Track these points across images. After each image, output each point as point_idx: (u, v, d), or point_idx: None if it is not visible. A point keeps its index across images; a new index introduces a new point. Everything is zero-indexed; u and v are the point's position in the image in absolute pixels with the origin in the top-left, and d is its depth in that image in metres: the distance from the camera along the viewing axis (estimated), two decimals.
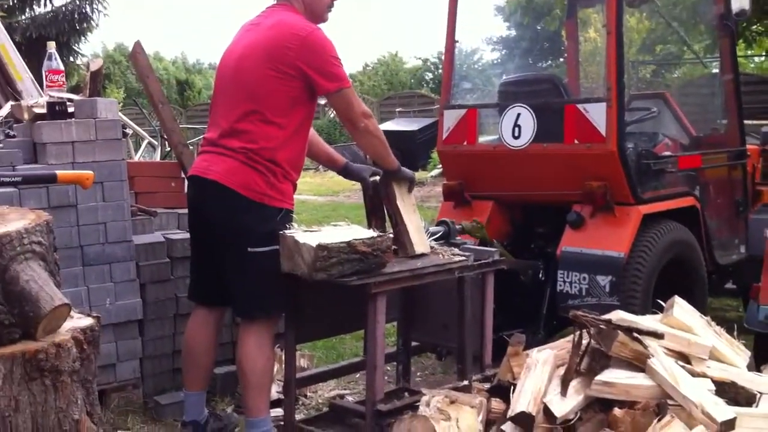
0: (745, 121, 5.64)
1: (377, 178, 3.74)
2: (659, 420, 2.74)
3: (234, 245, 3.30)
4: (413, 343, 4.18)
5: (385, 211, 3.76)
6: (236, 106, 3.34)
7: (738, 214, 5.40)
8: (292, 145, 3.38)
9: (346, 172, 3.87)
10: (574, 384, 2.99)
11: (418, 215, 3.77)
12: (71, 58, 16.11)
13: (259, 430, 3.32)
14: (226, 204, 3.30)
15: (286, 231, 3.26)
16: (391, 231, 3.65)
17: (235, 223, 3.29)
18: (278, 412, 3.72)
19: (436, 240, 3.98)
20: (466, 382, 3.59)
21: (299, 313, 3.59)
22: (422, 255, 3.68)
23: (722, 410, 2.73)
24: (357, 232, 3.39)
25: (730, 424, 2.69)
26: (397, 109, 20.54)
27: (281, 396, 3.76)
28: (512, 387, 3.10)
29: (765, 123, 7.33)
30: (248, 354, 3.31)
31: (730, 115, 5.54)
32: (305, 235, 3.24)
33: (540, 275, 4.74)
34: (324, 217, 9.81)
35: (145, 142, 10.41)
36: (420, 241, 3.70)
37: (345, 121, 3.47)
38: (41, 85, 4.47)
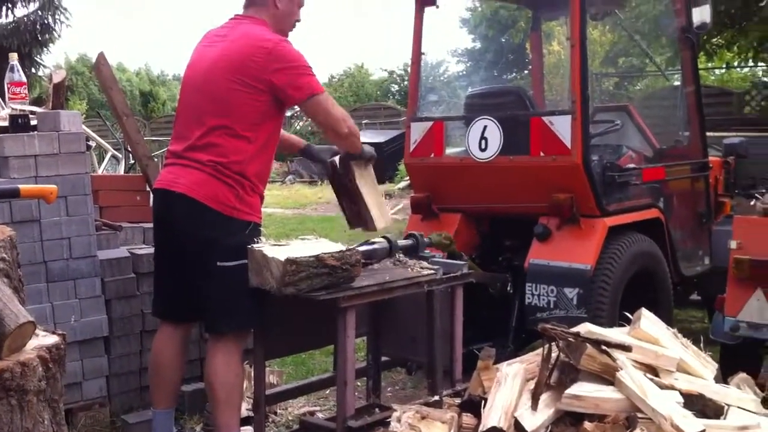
0: (707, 133, 5.73)
1: (337, 158, 3.72)
2: None
3: (202, 259, 3.26)
4: (383, 358, 4.16)
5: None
6: (203, 119, 3.31)
7: (701, 226, 5.48)
8: (260, 159, 3.35)
9: (307, 154, 3.86)
10: (544, 398, 3.00)
11: (378, 190, 3.79)
12: (33, 70, 15.87)
13: None
14: (194, 217, 3.26)
15: (254, 245, 3.23)
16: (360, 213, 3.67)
17: (203, 237, 3.25)
18: (248, 429, 3.68)
19: (404, 253, 3.98)
20: (437, 397, 3.57)
21: (268, 328, 3.56)
22: (390, 269, 3.68)
23: (691, 423, 2.76)
24: (325, 245, 3.37)
25: None
26: (364, 121, 20.54)
27: (251, 413, 3.72)
28: (483, 402, 3.10)
29: (726, 135, 7.45)
30: (217, 370, 3.27)
31: (693, 127, 5.62)
32: (274, 249, 3.22)
33: (508, 288, 4.76)
34: (291, 230, 9.77)
35: (109, 154, 10.28)
36: (380, 215, 3.73)
37: (325, 130, 3.43)
38: (3, 98, 4.40)
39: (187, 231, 3.29)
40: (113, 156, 10.28)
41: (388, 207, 3.80)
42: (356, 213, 3.71)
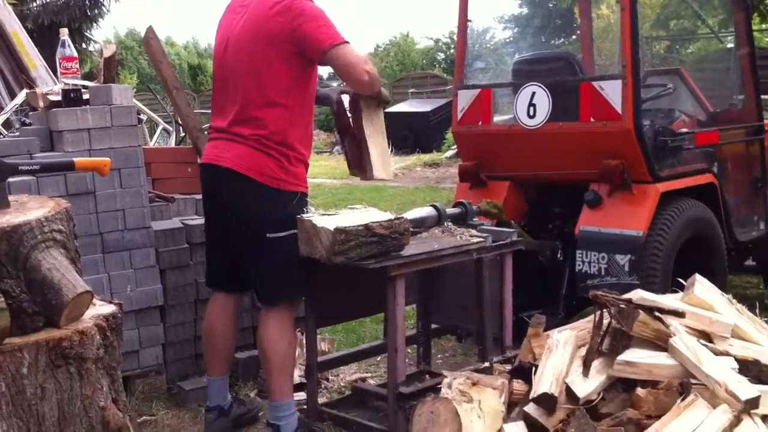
0: (762, 96, 5.58)
1: (346, 96, 3.64)
2: (683, 399, 2.73)
3: (252, 232, 3.30)
4: (433, 326, 4.18)
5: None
6: (238, 92, 3.32)
7: (756, 190, 5.36)
8: (300, 124, 3.36)
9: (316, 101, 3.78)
10: (596, 364, 2.98)
11: (384, 139, 3.70)
12: (84, 45, 16.12)
13: (283, 413, 3.33)
14: (241, 191, 3.29)
15: (303, 215, 3.26)
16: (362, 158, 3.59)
17: (252, 210, 3.29)
18: (301, 395, 3.74)
19: (453, 222, 3.98)
20: (487, 364, 3.59)
21: (319, 296, 3.60)
22: (439, 237, 3.69)
23: (746, 389, 2.72)
24: (374, 214, 3.39)
25: (754, 402, 2.68)
26: (410, 90, 20.46)
27: (303, 380, 3.78)
28: (534, 368, 3.10)
29: None
30: (270, 338, 3.32)
31: (747, 90, 5.48)
32: (323, 219, 3.24)
33: (558, 255, 4.72)
34: (340, 200, 9.81)
35: (160, 127, 10.38)
36: (382, 166, 3.64)
37: (349, 80, 3.36)
38: (55, 73, 4.47)
39: (235, 205, 3.32)
40: (164, 129, 10.39)
41: (393, 162, 3.67)
42: (357, 157, 3.63)
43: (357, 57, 3.29)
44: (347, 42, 3.28)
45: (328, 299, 3.64)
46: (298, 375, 3.89)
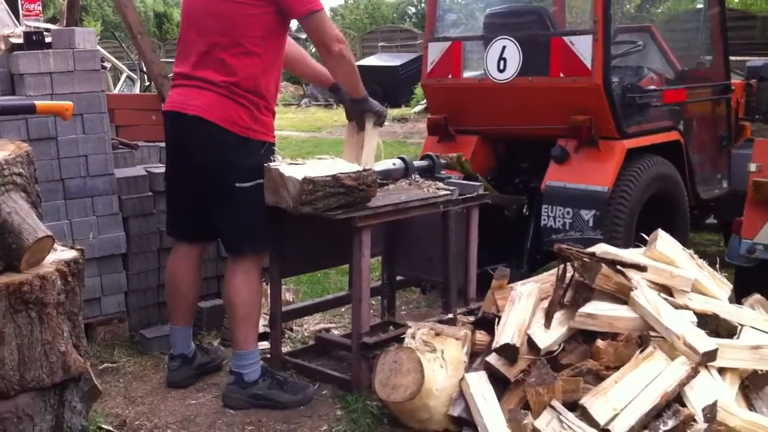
0: (731, 57, 5.60)
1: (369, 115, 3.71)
2: (641, 351, 2.79)
3: (220, 181, 3.25)
4: (398, 278, 4.20)
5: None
6: (210, 36, 3.24)
7: (721, 149, 5.40)
8: (270, 74, 3.31)
9: (335, 92, 3.80)
10: (557, 316, 3.03)
11: (373, 155, 3.77)
12: None
13: (247, 362, 3.33)
14: (210, 139, 3.24)
15: (270, 164, 3.23)
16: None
17: (221, 159, 3.24)
18: (265, 345, 3.74)
19: (420, 174, 3.97)
20: (450, 315, 3.62)
21: (284, 246, 3.59)
22: (406, 190, 3.69)
23: (704, 341, 2.79)
24: (342, 165, 3.37)
25: (712, 355, 2.74)
26: (380, 44, 20.26)
27: (268, 329, 3.78)
28: (496, 320, 3.13)
29: (749, 59, 7.28)
30: (236, 288, 3.31)
31: (716, 50, 5.50)
32: (290, 168, 3.22)
33: (524, 210, 4.73)
34: (307, 152, 9.75)
35: (124, 75, 10.23)
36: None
37: (318, 46, 3.38)
38: (17, 15, 4.35)
39: (204, 153, 3.27)
40: (128, 77, 10.24)
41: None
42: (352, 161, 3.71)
43: (333, 30, 3.33)
44: (323, 8, 3.29)
45: (294, 249, 3.63)
46: (262, 324, 3.89)
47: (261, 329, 3.83)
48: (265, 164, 3.22)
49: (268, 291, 3.80)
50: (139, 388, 3.52)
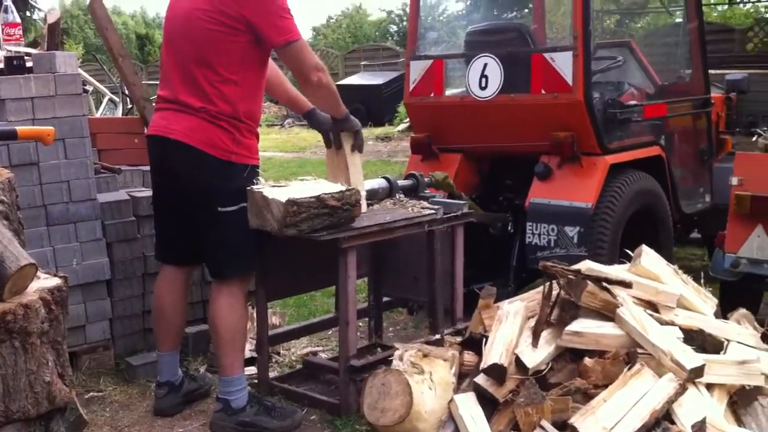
0: (710, 70, 5.66)
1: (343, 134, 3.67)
2: (629, 368, 2.78)
3: (203, 206, 3.24)
4: (384, 299, 4.19)
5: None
6: (187, 64, 3.24)
7: (703, 163, 5.44)
8: (251, 99, 3.30)
9: (310, 118, 3.74)
10: (545, 335, 3.02)
11: (360, 173, 3.75)
12: (27, 12, 15.65)
13: (234, 388, 3.30)
14: (192, 164, 3.23)
15: (253, 187, 3.22)
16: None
17: (202, 184, 3.23)
18: (252, 370, 3.72)
19: (405, 194, 3.97)
20: (438, 336, 3.61)
21: (270, 269, 3.57)
22: (391, 209, 3.69)
23: (691, 357, 2.78)
24: (325, 186, 3.36)
25: (699, 371, 2.74)
26: (362, 63, 20.30)
27: (254, 354, 3.76)
28: (484, 339, 3.12)
29: (728, 72, 7.36)
30: (221, 313, 3.29)
31: (695, 64, 5.55)
32: (273, 191, 3.21)
33: (509, 227, 4.75)
34: (291, 173, 9.74)
35: (106, 98, 10.18)
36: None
37: (296, 75, 3.34)
38: None
39: (186, 178, 3.26)
40: (110, 100, 10.19)
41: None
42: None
43: (312, 59, 3.30)
44: (301, 38, 3.27)
45: (279, 272, 3.62)
46: (249, 349, 3.87)
47: (248, 354, 3.81)
48: (248, 187, 3.21)
49: (254, 315, 3.77)
50: (125, 417, 3.49)
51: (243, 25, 3.16)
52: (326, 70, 3.40)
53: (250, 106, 3.29)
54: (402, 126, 14.77)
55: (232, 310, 3.29)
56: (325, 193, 3.24)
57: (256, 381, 3.64)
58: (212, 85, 3.20)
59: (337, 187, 3.34)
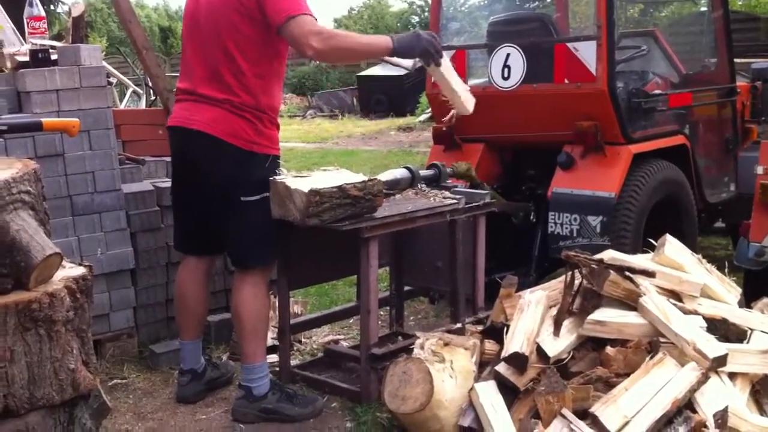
0: (735, 59, 5.60)
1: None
2: (651, 357, 2.77)
3: (225, 196, 3.26)
4: (406, 288, 4.19)
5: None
6: (211, 55, 3.25)
7: (728, 152, 5.39)
8: (271, 89, 3.31)
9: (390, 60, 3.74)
10: (566, 324, 3.01)
11: (456, 78, 3.78)
12: (51, 6, 15.78)
13: (256, 375, 3.33)
14: (214, 154, 3.24)
15: (276, 177, 3.23)
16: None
17: (225, 174, 3.24)
18: (273, 358, 3.74)
19: (427, 184, 3.97)
20: (459, 325, 3.62)
21: (292, 259, 3.59)
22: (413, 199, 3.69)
23: (713, 347, 2.77)
24: (347, 176, 3.37)
25: (722, 360, 2.73)
26: None
27: (276, 342, 3.78)
28: (505, 328, 3.12)
29: (754, 60, 7.27)
30: (244, 302, 3.31)
31: (720, 53, 5.49)
32: (296, 181, 3.22)
33: (531, 217, 4.73)
34: (313, 163, 9.76)
35: (130, 90, 10.27)
36: (465, 99, 3.85)
37: (301, 55, 3.26)
38: (22, 34, 4.37)
39: (208, 168, 3.28)
40: (134, 92, 10.28)
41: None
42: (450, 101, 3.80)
43: (301, 31, 3.11)
44: (304, 13, 3.12)
45: (301, 261, 3.64)
46: (271, 337, 3.89)
47: (269, 342, 3.84)
48: (271, 177, 3.22)
49: (276, 304, 3.79)
50: (148, 404, 3.53)
51: (258, 11, 3.16)
52: (322, 33, 3.16)
53: (271, 97, 3.30)
54: (423, 116, 14.74)
55: (255, 299, 3.31)
56: (347, 183, 3.25)
57: (277, 369, 3.67)
58: (235, 77, 3.21)
59: (359, 177, 3.35)
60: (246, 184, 3.24)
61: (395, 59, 3.57)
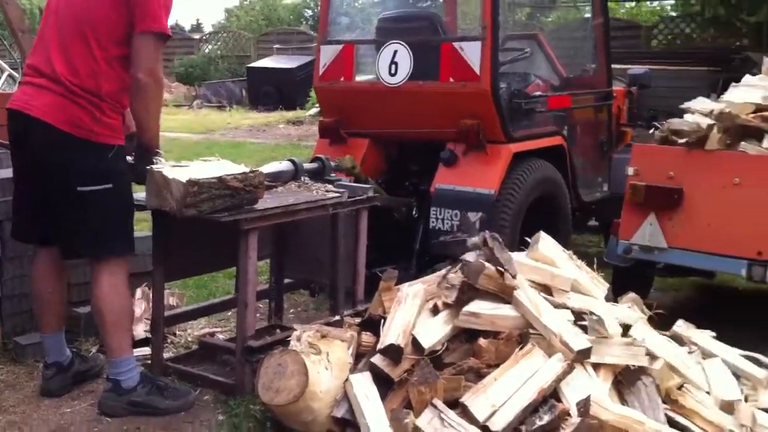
0: (614, 65, 5.82)
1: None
2: (521, 348, 2.85)
3: (62, 184, 3.12)
4: (286, 280, 4.16)
5: None
6: (66, 32, 3.14)
7: (603, 154, 5.60)
8: (120, 79, 3.18)
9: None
10: (442, 316, 3.06)
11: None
12: None
13: (124, 368, 3.23)
14: (50, 142, 3.11)
15: (153, 166, 3.15)
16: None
17: (60, 161, 3.11)
18: (146, 350, 3.64)
19: (310, 177, 3.95)
20: (338, 318, 3.61)
21: (168, 250, 3.50)
22: (295, 192, 3.67)
23: (579, 339, 2.87)
24: (228, 167, 3.31)
25: (586, 352, 2.83)
26: (275, 46, 20.10)
27: (149, 335, 3.68)
28: (383, 321, 3.14)
29: (631, 67, 7.58)
30: (102, 294, 3.20)
31: (599, 58, 5.70)
32: (174, 171, 3.15)
33: (414, 212, 4.79)
34: (197, 154, 9.52)
35: (5, 74, 9.87)
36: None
37: (135, 69, 3.13)
38: None
39: (44, 155, 3.14)
40: (10, 76, 9.87)
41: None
42: None
43: (148, 55, 3.12)
44: (164, 33, 3.13)
45: (179, 252, 3.55)
46: (143, 330, 3.79)
47: (142, 334, 3.74)
48: (149, 167, 3.13)
49: (150, 295, 3.69)
50: (11, 397, 3.37)
51: (125, 4, 3.08)
52: (157, 75, 3.18)
53: (117, 86, 3.17)
54: (314, 110, 14.70)
55: (114, 292, 3.20)
56: (228, 174, 3.19)
57: (149, 361, 3.57)
58: (84, 60, 3.10)
59: (240, 168, 3.30)
60: (82, 173, 3.11)
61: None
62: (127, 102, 3.25)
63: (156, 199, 3.15)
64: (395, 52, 4.71)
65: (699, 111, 4.31)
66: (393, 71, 4.71)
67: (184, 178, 3.06)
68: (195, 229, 3.40)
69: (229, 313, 4.28)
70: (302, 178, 3.92)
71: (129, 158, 3.33)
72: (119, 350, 3.23)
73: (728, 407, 2.95)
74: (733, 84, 4.63)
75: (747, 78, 4.69)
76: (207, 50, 22.02)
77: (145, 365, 3.47)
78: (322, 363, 2.96)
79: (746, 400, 3.19)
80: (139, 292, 3.99)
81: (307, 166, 4.04)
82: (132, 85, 3.18)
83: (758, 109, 4.20)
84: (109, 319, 3.20)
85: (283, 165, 3.93)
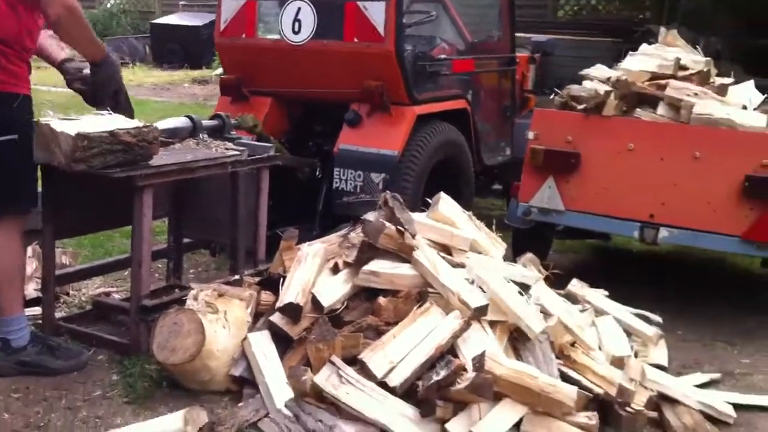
0: (520, 34, 5.88)
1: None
2: (419, 306, 2.87)
3: None
4: (186, 240, 4.08)
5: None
6: None
7: (506, 119, 5.68)
8: (27, 23, 3.02)
9: (63, 70, 3.42)
10: (342, 274, 3.06)
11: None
12: None
13: (13, 327, 3.11)
14: None
15: (41, 119, 3.01)
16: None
17: None
18: (36, 310, 3.51)
19: (210, 134, 3.86)
20: (237, 277, 3.56)
21: (59, 206, 3.36)
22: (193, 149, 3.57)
23: (476, 297, 2.91)
24: (120, 121, 3.20)
25: (483, 309, 2.87)
26: (181, 2, 19.51)
27: (40, 294, 3.54)
28: (282, 280, 3.11)
29: (534, 36, 7.68)
30: None
31: (504, 25, 5.74)
32: (63, 124, 3.02)
33: (317, 173, 4.75)
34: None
35: None
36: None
37: (42, 3, 2.95)
38: None
39: None
40: None
41: None
42: None
43: None
44: None
45: (70, 210, 3.41)
46: (33, 289, 3.65)
47: (33, 294, 3.60)
48: (36, 119, 2.98)
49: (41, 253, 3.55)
50: None
51: None
52: (77, 11, 3.01)
53: (20, 30, 3.00)
54: (220, 70, 14.34)
55: (8, 249, 3.07)
56: (120, 129, 3.08)
57: (40, 321, 3.44)
58: None
59: (133, 123, 3.19)
60: None
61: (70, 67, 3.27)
62: (32, 45, 3.08)
63: (44, 153, 3.02)
64: (299, 9, 4.63)
65: (597, 78, 4.42)
66: (296, 29, 4.64)
67: (73, 132, 2.94)
68: (87, 186, 3.28)
69: (126, 273, 4.15)
70: (201, 136, 3.82)
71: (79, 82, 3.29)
72: (9, 309, 3.10)
73: (619, 362, 3.05)
74: (631, 53, 4.75)
75: (644, 47, 4.82)
76: (109, 5, 21.18)
77: (36, 325, 3.35)
78: (220, 322, 2.92)
79: (636, 355, 3.32)
80: (30, 250, 3.83)
81: (206, 122, 3.95)
82: (50, 24, 3.04)
83: (653, 77, 4.34)
84: (2, 277, 3.07)
85: (180, 121, 3.83)
